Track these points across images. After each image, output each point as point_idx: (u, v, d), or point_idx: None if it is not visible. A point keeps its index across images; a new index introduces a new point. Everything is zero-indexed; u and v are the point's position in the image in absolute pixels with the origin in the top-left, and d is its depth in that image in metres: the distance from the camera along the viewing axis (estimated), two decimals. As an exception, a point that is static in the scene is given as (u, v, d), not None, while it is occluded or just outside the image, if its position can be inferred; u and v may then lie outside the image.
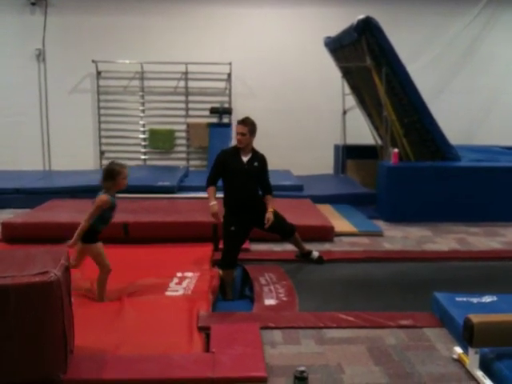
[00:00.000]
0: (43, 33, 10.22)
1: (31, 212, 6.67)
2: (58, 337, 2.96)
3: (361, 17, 7.03)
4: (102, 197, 4.21)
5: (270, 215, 4.80)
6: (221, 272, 4.85)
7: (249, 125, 4.76)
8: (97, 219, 4.22)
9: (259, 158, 4.91)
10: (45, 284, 2.83)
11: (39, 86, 10.41)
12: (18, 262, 3.05)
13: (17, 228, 5.96)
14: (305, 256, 5.36)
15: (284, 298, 4.43)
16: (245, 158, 4.81)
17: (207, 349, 3.44)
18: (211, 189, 4.82)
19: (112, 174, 4.22)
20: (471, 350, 3.19)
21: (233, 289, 4.88)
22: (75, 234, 4.19)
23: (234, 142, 9.49)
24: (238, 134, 4.75)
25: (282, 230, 5.16)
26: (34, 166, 10.29)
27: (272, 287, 4.65)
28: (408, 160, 7.68)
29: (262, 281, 4.80)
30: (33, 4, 10.10)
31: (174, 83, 10.59)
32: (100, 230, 4.31)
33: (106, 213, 4.26)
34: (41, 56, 10.32)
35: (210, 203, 4.76)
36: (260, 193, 4.96)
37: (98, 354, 3.33)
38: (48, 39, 10.26)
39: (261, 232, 5.04)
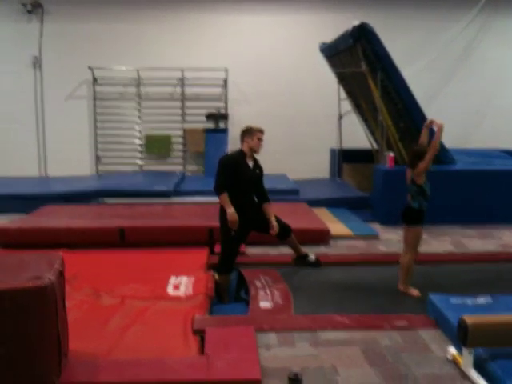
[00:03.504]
0: (39, 40, 10.26)
1: (26, 217, 6.66)
2: (53, 341, 2.95)
3: (356, 23, 7.06)
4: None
5: (275, 223, 4.93)
6: (216, 276, 4.85)
7: None
8: (420, 196, 4.53)
9: (259, 166, 5.00)
10: (39, 289, 2.82)
11: (35, 93, 10.44)
12: (12, 267, 3.05)
13: (12, 233, 5.96)
14: (301, 258, 5.36)
15: (279, 301, 4.43)
16: (250, 164, 4.87)
17: (202, 352, 3.44)
18: (226, 195, 4.68)
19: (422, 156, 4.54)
20: (465, 351, 3.20)
21: (228, 292, 4.89)
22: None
23: (230, 148, 9.48)
24: (260, 140, 4.83)
25: (280, 232, 5.16)
26: (30, 172, 10.30)
27: (268, 290, 4.65)
28: (404, 164, 7.69)
29: (258, 284, 4.80)
30: (29, 12, 10.13)
31: (170, 89, 10.61)
32: (425, 209, 4.53)
33: (426, 186, 4.54)
34: (37, 63, 10.34)
35: (229, 210, 4.63)
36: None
37: (93, 357, 3.33)
38: (44, 46, 10.30)
39: (257, 235, 5.09)
